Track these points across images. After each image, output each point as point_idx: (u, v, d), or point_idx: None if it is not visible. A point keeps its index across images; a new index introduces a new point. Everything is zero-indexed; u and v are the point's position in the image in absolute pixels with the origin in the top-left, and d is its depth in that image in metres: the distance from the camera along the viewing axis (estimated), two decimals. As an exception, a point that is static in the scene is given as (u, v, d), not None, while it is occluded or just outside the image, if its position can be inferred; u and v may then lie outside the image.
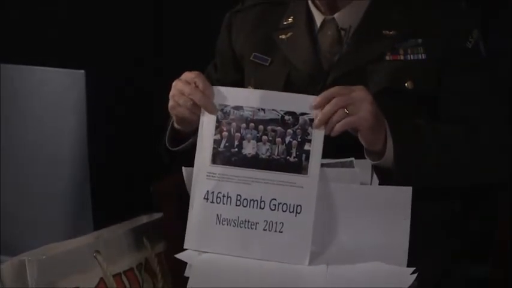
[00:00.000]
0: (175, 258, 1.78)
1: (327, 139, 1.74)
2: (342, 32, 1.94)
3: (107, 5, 2.79)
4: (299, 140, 1.74)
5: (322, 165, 1.74)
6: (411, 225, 1.72)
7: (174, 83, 1.84)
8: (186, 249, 1.78)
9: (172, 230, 1.84)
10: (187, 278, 1.74)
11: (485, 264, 1.98)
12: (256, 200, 1.75)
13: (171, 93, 1.84)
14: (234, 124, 1.78)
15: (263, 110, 1.76)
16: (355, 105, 1.73)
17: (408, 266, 1.70)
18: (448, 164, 1.84)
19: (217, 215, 1.77)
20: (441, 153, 1.84)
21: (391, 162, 1.78)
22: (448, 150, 1.84)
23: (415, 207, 1.73)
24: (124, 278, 1.85)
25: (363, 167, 1.78)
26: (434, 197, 1.88)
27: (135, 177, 2.64)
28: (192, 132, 1.86)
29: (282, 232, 1.74)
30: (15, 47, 2.71)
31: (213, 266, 1.75)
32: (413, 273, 1.68)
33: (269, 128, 1.76)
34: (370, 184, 1.77)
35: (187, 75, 1.83)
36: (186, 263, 1.76)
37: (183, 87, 1.81)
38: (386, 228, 1.73)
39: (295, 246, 1.73)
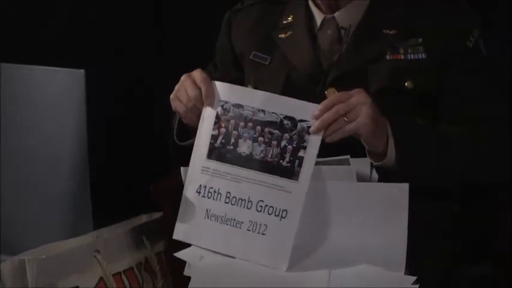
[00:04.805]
0: (175, 257, 1.78)
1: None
2: (342, 31, 1.95)
3: (107, 5, 2.79)
4: (294, 145, 1.74)
5: (318, 162, 1.74)
6: (412, 225, 1.72)
7: (182, 78, 1.85)
8: (185, 249, 1.79)
9: (172, 229, 1.83)
10: (187, 278, 1.74)
11: (486, 264, 1.98)
12: (244, 200, 1.75)
13: (177, 86, 1.85)
14: (232, 121, 1.78)
15: (263, 111, 1.76)
16: (354, 111, 1.73)
17: (409, 266, 1.70)
18: (449, 164, 1.85)
19: (207, 209, 1.78)
20: (442, 153, 1.84)
21: (393, 162, 1.78)
22: (448, 150, 1.85)
23: (415, 207, 1.73)
24: (124, 278, 1.84)
25: (361, 164, 1.78)
26: (435, 197, 1.88)
27: (135, 177, 2.64)
28: None
29: (264, 234, 1.74)
30: (15, 46, 2.71)
31: (214, 268, 1.75)
32: (414, 280, 1.68)
33: (266, 129, 1.76)
34: (369, 182, 1.77)
35: (196, 76, 1.83)
36: (186, 262, 1.76)
37: (189, 87, 1.82)
38: (384, 225, 1.73)
39: (276, 250, 1.73)
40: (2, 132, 2.12)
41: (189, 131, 1.90)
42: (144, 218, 1.97)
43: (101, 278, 1.79)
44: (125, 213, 1.98)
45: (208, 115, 1.80)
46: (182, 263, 1.77)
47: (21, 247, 1.76)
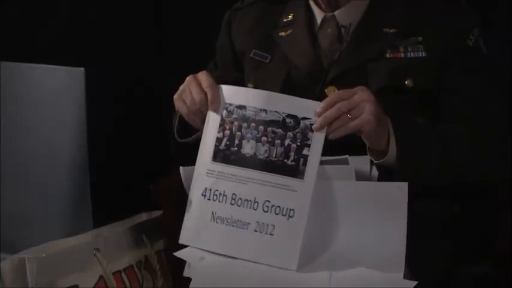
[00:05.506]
0: (174, 256, 1.78)
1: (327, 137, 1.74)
2: (342, 30, 1.94)
3: (107, 5, 2.79)
4: (298, 144, 1.73)
5: None
6: (412, 225, 1.72)
7: (188, 78, 1.83)
8: (185, 247, 1.78)
9: (172, 227, 1.83)
10: (186, 276, 1.74)
11: (486, 264, 1.97)
12: (250, 201, 1.75)
13: (182, 86, 1.84)
14: (236, 123, 1.77)
15: (265, 110, 1.76)
16: (358, 108, 1.73)
17: (409, 266, 1.70)
18: (449, 163, 1.84)
19: (213, 212, 1.77)
20: (442, 153, 1.84)
21: (394, 160, 1.78)
22: (448, 149, 1.84)
23: (415, 207, 1.73)
24: (124, 276, 1.85)
25: (361, 162, 1.78)
26: (435, 197, 1.88)
27: (135, 177, 2.64)
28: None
29: (272, 235, 1.73)
30: (15, 44, 2.71)
31: (215, 268, 1.75)
32: (415, 284, 1.67)
33: (269, 129, 1.75)
34: (369, 179, 1.77)
35: (202, 79, 1.82)
36: (186, 261, 1.76)
37: (194, 91, 1.81)
38: (383, 223, 1.72)
39: (285, 249, 1.72)
40: (2, 132, 2.12)
41: (190, 129, 1.89)
42: (143, 217, 1.97)
43: (101, 277, 1.79)
44: (125, 213, 1.98)
45: (213, 119, 1.79)
46: (182, 262, 1.76)
47: (21, 246, 1.76)
